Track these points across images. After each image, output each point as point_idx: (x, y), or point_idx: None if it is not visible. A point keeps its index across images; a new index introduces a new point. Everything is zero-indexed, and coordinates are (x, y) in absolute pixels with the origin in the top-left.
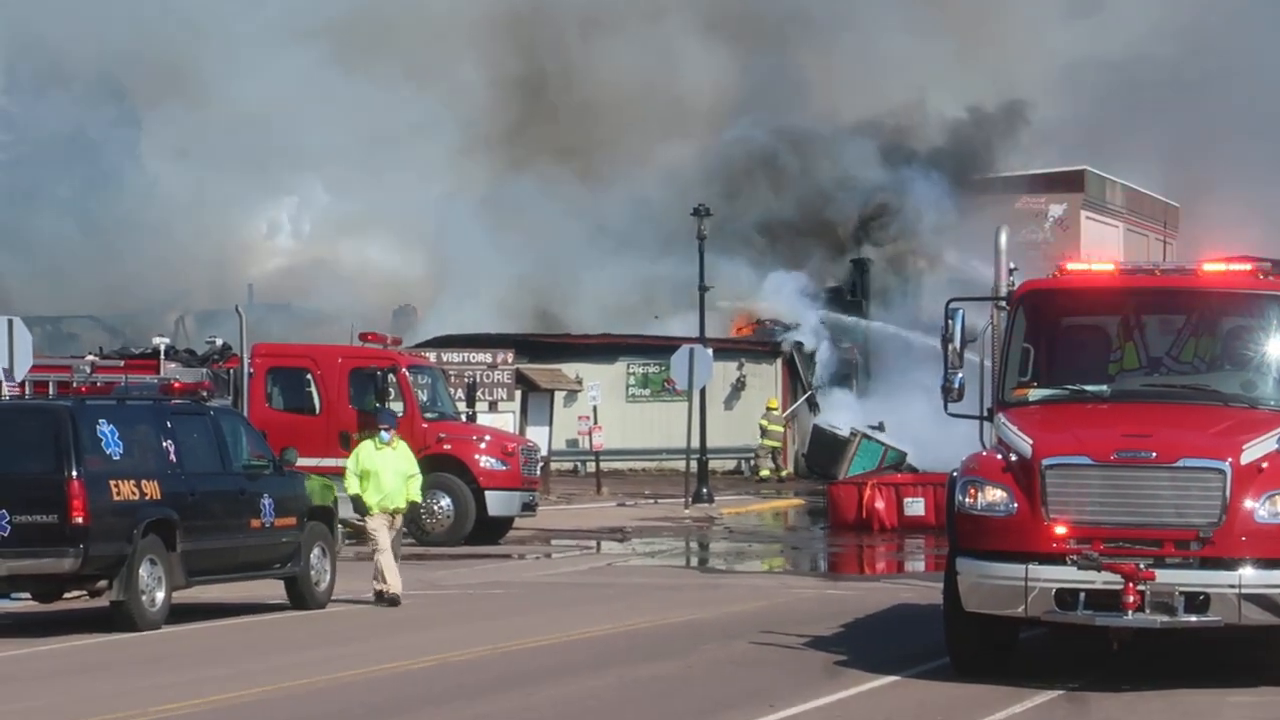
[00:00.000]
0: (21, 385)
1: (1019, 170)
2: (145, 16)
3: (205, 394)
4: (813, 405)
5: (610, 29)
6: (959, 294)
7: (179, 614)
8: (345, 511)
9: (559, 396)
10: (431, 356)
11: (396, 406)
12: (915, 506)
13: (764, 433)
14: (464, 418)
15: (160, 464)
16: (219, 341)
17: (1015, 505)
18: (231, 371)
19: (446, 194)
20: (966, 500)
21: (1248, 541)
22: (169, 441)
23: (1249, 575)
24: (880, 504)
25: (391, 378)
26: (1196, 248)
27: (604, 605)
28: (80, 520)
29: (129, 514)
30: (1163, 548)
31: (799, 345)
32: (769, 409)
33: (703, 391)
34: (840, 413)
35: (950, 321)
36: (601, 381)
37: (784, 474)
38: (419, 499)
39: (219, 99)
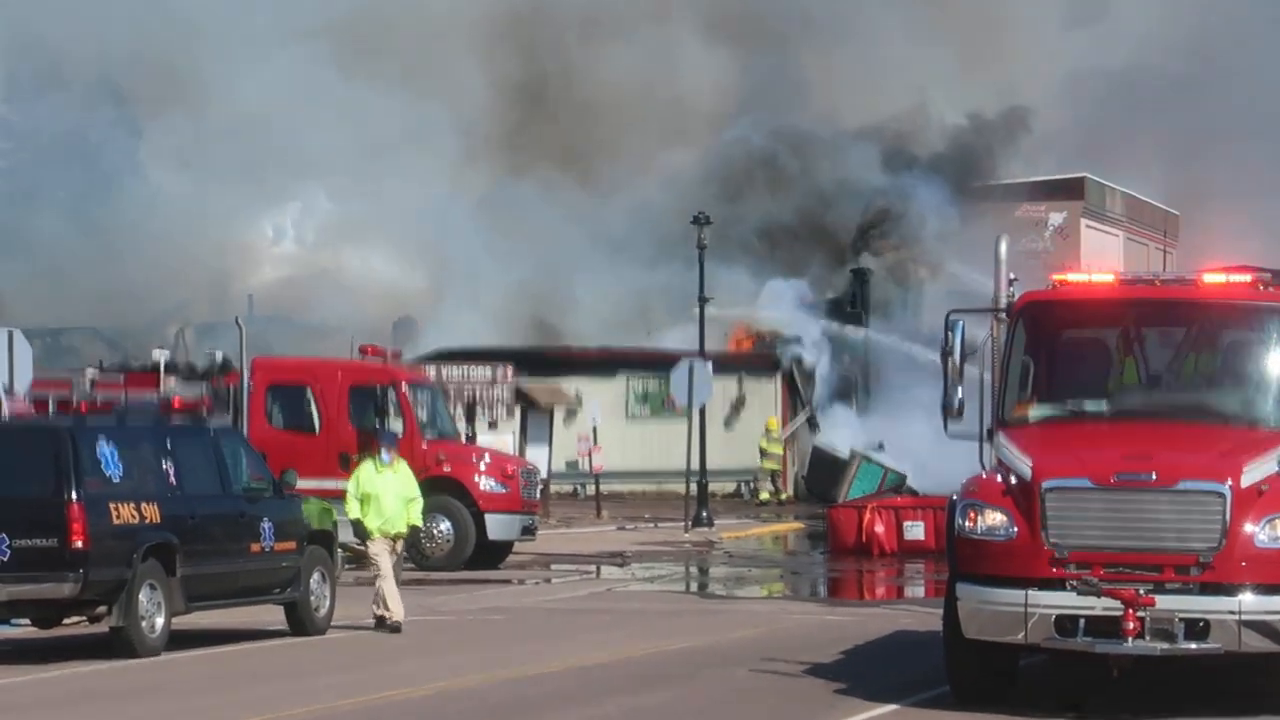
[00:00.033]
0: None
1: (1019, 178)
2: (144, 21)
3: (205, 412)
4: (812, 424)
5: (610, 31)
6: (959, 305)
7: (178, 639)
8: (345, 535)
9: (558, 415)
10: (431, 370)
11: (396, 425)
12: (915, 530)
13: (764, 454)
14: (463, 437)
15: (160, 486)
16: (219, 355)
17: (1015, 529)
18: (231, 388)
19: (446, 201)
20: (966, 524)
21: (1248, 567)
22: (169, 463)
23: (1249, 601)
24: (880, 528)
25: (392, 395)
26: (1197, 257)
27: (604, 632)
28: (80, 544)
29: (129, 538)
30: (1163, 573)
31: (798, 360)
32: (768, 429)
33: (702, 411)
34: (840, 431)
35: (950, 334)
36: (601, 398)
37: (784, 497)
38: (420, 523)
39: (218, 105)
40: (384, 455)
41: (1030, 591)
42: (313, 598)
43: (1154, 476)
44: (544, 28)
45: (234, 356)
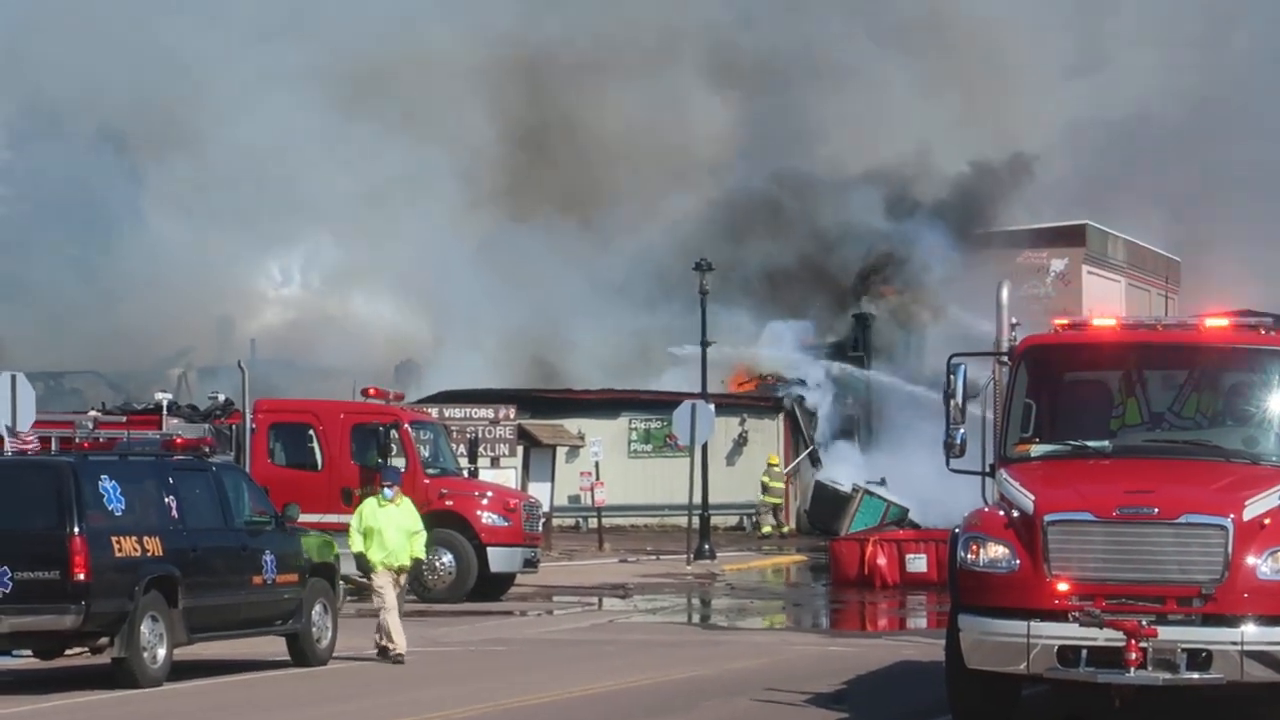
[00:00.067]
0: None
1: (1020, 225)
2: (144, 67)
3: (207, 450)
4: (815, 460)
5: (613, 76)
6: (961, 349)
7: (180, 671)
8: (347, 568)
9: (561, 452)
10: (434, 412)
11: (399, 462)
12: (917, 563)
13: (765, 489)
14: (466, 473)
15: (162, 520)
16: (221, 397)
17: (1017, 562)
18: (234, 427)
19: (448, 245)
20: (969, 556)
21: (1250, 598)
22: (171, 497)
23: (1251, 632)
24: (882, 560)
25: (394, 433)
26: (1198, 302)
27: (606, 662)
28: (82, 577)
29: (131, 570)
30: (1165, 604)
31: (800, 400)
32: (770, 465)
33: (705, 447)
34: (842, 466)
35: (952, 377)
36: (603, 437)
37: (786, 530)
38: (423, 556)
39: (219, 150)
40: (386, 491)
41: (1033, 623)
42: (314, 629)
43: (1156, 511)
44: (547, 72)
45: (236, 399)
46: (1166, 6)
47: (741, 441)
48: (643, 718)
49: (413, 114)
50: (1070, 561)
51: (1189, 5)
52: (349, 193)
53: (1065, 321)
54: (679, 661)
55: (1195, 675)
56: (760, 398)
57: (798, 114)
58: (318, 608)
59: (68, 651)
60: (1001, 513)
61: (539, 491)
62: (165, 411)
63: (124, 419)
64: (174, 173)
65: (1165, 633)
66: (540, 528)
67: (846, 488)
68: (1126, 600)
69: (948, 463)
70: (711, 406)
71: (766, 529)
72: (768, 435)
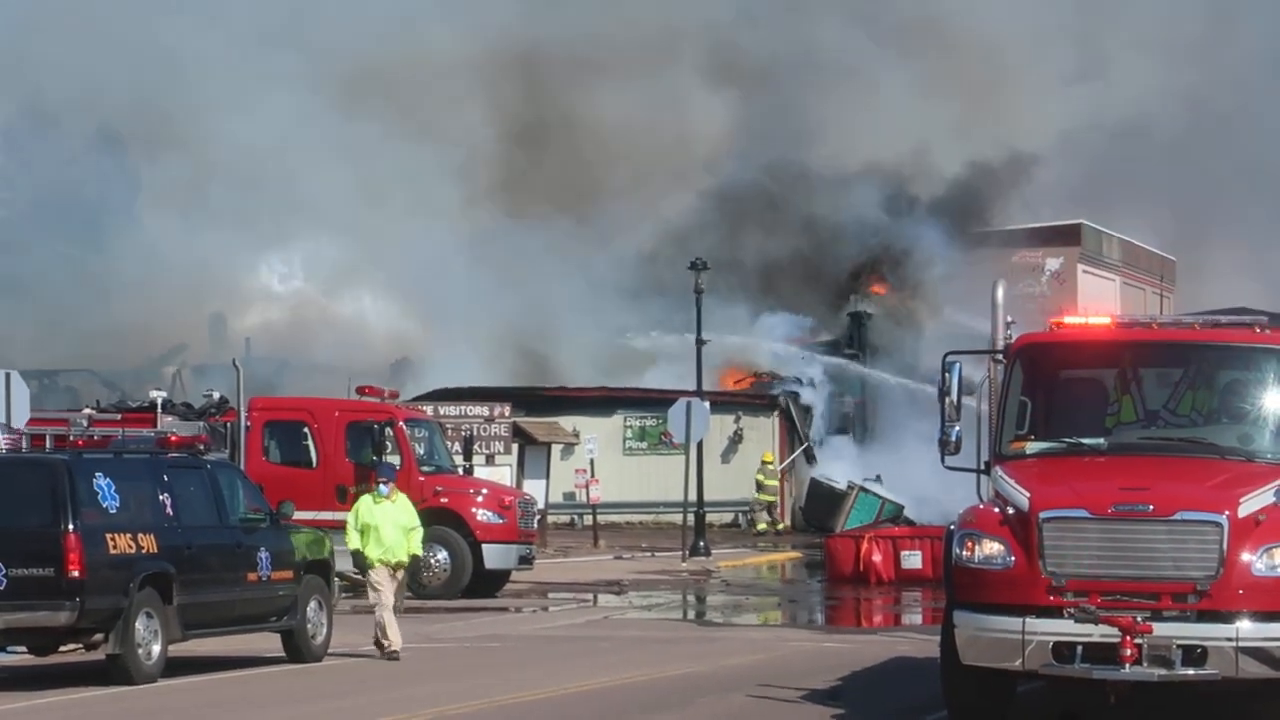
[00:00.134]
0: (18, 435)
1: (1016, 224)
2: (141, 66)
3: (202, 447)
4: (810, 457)
5: (612, 74)
6: (956, 347)
7: (175, 667)
8: (343, 565)
9: (556, 450)
10: (429, 410)
11: (393, 460)
12: (912, 559)
13: (760, 487)
14: (461, 471)
15: (157, 517)
16: (216, 395)
17: (1013, 558)
18: (228, 425)
19: (443, 243)
20: (964, 553)
21: (1245, 594)
22: (165, 495)
23: (1246, 628)
24: (877, 557)
25: (388, 431)
26: (1193, 301)
27: (601, 659)
28: (76, 573)
29: (125, 567)
30: (1160, 601)
31: (795, 397)
32: (764, 463)
33: (700, 444)
34: (838, 463)
35: (947, 374)
36: (598, 434)
37: (781, 527)
38: (420, 552)
39: (215, 148)
40: (382, 488)
41: (1028, 619)
42: (309, 625)
43: (1151, 508)
44: (544, 70)
45: (231, 397)
46: (1165, 8)
47: (737, 439)
48: (638, 714)
49: (409, 112)
50: (1065, 558)
51: (1188, 6)
52: (345, 190)
53: (1062, 320)
54: (674, 658)
55: (1190, 671)
56: (755, 395)
57: (796, 114)
58: (313, 604)
59: (62, 648)
60: (997, 510)
61: (534, 489)
62: (160, 409)
63: (119, 417)
64: (169, 171)
65: (1160, 629)
66: (535, 525)
67: (842, 485)
68: (1121, 597)
69: (943, 460)
70: (707, 404)
71: (761, 526)
72: (763, 433)
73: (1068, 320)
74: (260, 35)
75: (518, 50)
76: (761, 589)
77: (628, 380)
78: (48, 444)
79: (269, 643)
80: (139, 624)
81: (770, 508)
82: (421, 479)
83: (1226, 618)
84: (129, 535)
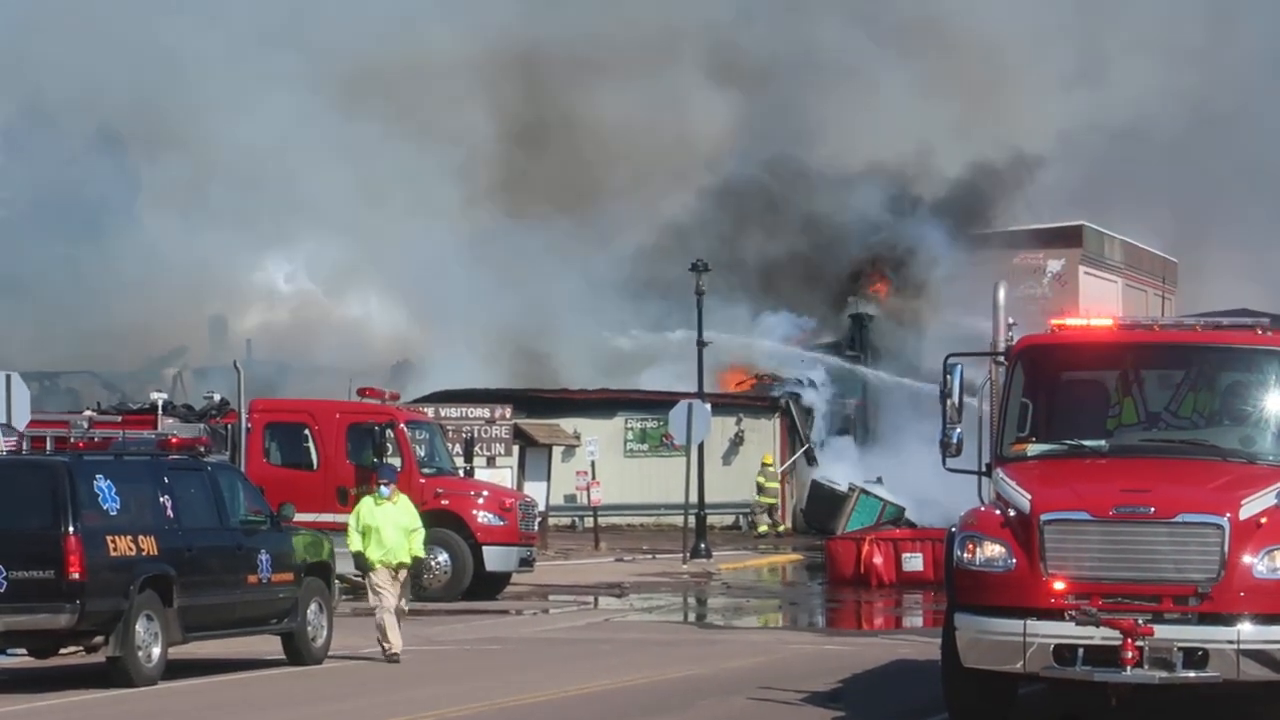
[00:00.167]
0: (19, 436)
1: (1018, 225)
2: (141, 67)
3: (203, 449)
4: (810, 459)
5: (612, 74)
6: (958, 348)
7: (176, 670)
8: (343, 567)
9: (557, 452)
10: (429, 412)
11: (394, 462)
12: (913, 562)
13: (760, 489)
14: (461, 473)
15: (157, 519)
16: (217, 397)
17: (1014, 560)
18: (229, 427)
19: (444, 244)
20: (965, 555)
21: (1246, 597)
22: (166, 497)
23: (1247, 631)
24: (878, 559)
25: (389, 433)
26: (1195, 303)
27: (601, 661)
28: (77, 576)
29: (126, 569)
30: (1161, 603)
31: (796, 398)
32: (764, 465)
33: (701, 446)
34: (839, 465)
35: (949, 376)
36: (599, 436)
37: (781, 529)
38: (422, 554)
39: (215, 149)
40: (383, 490)
41: (1029, 621)
42: (310, 628)
43: (1152, 510)
44: (544, 70)
45: (232, 398)
46: (1165, 9)
47: (738, 441)
48: (639, 717)
49: (409, 112)
50: (1066, 560)
51: (1188, 7)
52: (345, 190)
53: (1064, 322)
54: (675, 660)
55: (1191, 674)
56: (757, 397)
57: (797, 114)
58: (313, 607)
59: (63, 650)
60: (998, 512)
61: (535, 491)
62: (160, 411)
63: (119, 419)
64: (169, 171)
65: (1161, 631)
66: (536, 527)
67: (843, 487)
68: (1123, 599)
69: (944, 462)
70: (708, 406)
71: (762, 528)
72: (764, 434)
73: (1069, 322)
74: (260, 35)
75: (518, 50)
76: (762, 591)
77: (624, 380)
78: (48, 446)
79: (269, 645)
80: (139, 626)
81: (771, 510)
82: (422, 481)
83: (1228, 620)
84: (129, 537)
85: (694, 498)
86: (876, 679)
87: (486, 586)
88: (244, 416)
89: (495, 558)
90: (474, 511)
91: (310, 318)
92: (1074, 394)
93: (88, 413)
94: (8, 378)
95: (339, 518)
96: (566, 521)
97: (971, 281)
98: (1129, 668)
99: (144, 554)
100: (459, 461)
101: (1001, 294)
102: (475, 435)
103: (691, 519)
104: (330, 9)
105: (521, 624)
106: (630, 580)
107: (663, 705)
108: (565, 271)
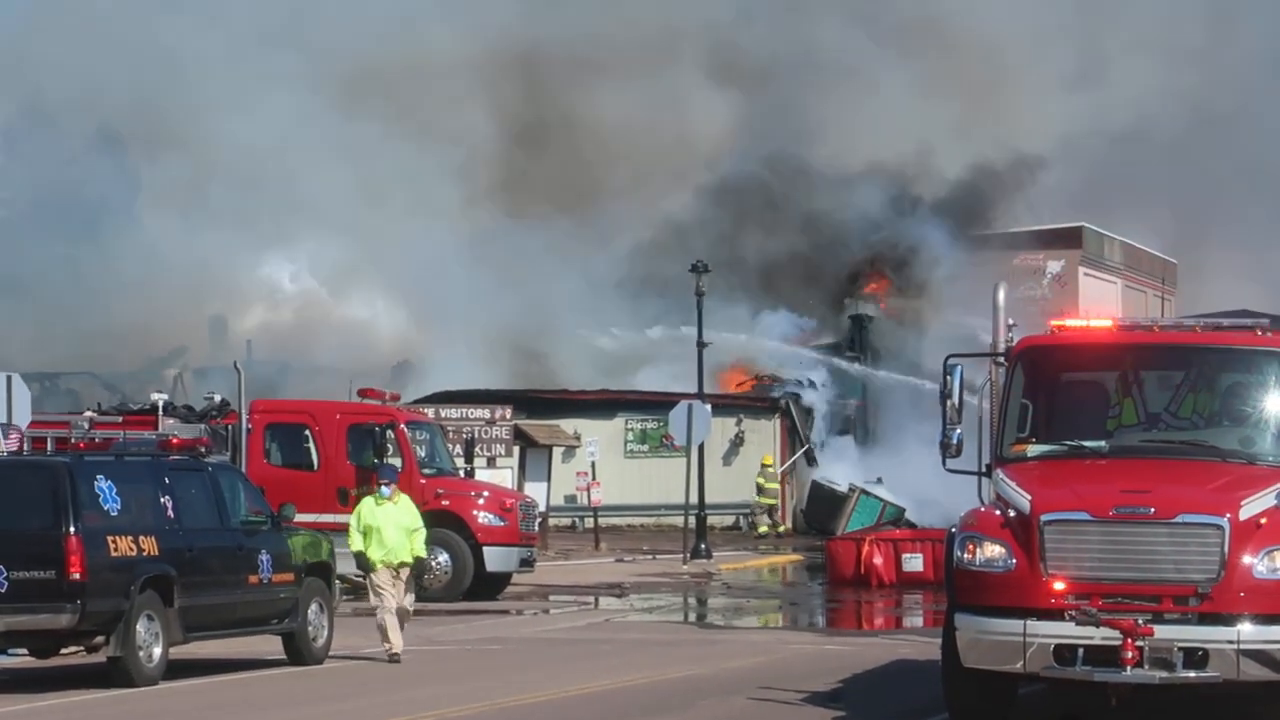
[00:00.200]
0: (20, 440)
1: (1018, 226)
2: (141, 67)
3: (203, 450)
4: (810, 460)
5: (612, 74)
6: (958, 349)
7: (176, 670)
8: (344, 567)
9: (557, 452)
10: (430, 412)
11: (395, 462)
12: (914, 562)
13: (760, 490)
14: (462, 473)
15: (158, 520)
16: (217, 397)
17: (1014, 561)
18: (230, 427)
19: (444, 245)
20: (965, 556)
21: (1246, 597)
22: (167, 497)
23: (1247, 631)
24: (878, 559)
25: (390, 434)
26: (1195, 304)
27: (602, 661)
28: (78, 576)
29: (126, 570)
30: (1161, 603)
31: (796, 398)
32: (764, 466)
33: (701, 447)
34: (839, 465)
35: (949, 377)
36: (600, 437)
37: (782, 529)
38: (424, 553)
39: (215, 150)
40: (384, 489)
41: (1029, 621)
42: (310, 628)
43: (1152, 510)
44: (545, 70)
45: (233, 399)
46: (1165, 9)
47: (738, 441)
48: (639, 717)
49: (409, 112)
50: (1066, 561)
51: (1189, 8)
52: (345, 190)
53: (1064, 323)
54: (675, 660)
55: (1192, 674)
56: (757, 398)
57: (796, 114)
58: (314, 607)
59: (63, 650)
60: (998, 512)
61: (535, 491)
62: (161, 412)
63: (120, 419)
64: (169, 171)
65: (1162, 631)
66: (536, 527)
67: (843, 487)
68: (1123, 599)
69: (944, 462)
70: (708, 407)
71: (763, 529)
72: (764, 435)
73: (1069, 323)
74: (260, 35)
75: (518, 50)
76: (762, 591)
77: (622, 381)
78: (49, 446)
79: (270, 645)
80: (140, 626)
81: (771, 510)
82: (423, 481)
83: (1228, 620)
84: (130, 538)
85: (694, 498)
86: (877, 679)
87: (487, 587)
88: (244, 417)
89: (496, 558)
90: (474, 512)
91: (311, 318)
92: (1074, 395)
93: (88, 413)
94: (8, 378)
95: (340, 518)
96: (567, 522)
97: (973, 282)
98: (1129, 668)
99: (145, 554)
100: (459, 462)
101: (1001, 295)
102: (476, 436)
103: (692, 519)
104: (330, 9)
105: (522, 624)
106: (630, 581)
107: (663, 705)
108: (565, 271)
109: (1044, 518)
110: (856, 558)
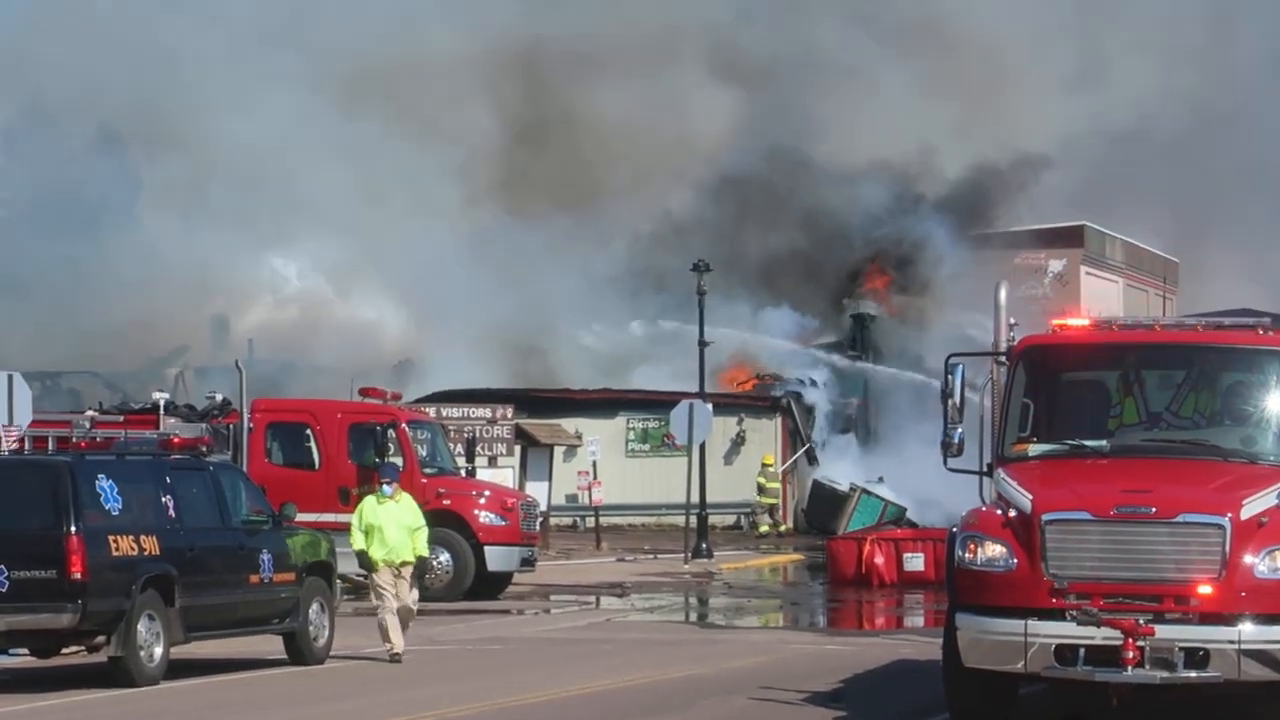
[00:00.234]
0: (21, 440)
1: (1019, 225)
2: (141, 67)
3: (205, 449)
4: (811, 459)
5: (612, 73)
6: (959, 348)
7: (177, 669)
8: (346, 567)
9: (558, 451)
10: (431, 412)
11: (396, 461)
12: (915, 562)
13: (761, 489)
14: (463, 473)
15: (159, 519)
16: (218, 397)
17: (1015, 560)
18: (231, 427)
19: (445, 244)
20: (966, 555)
21: (1247, 597)
22: (168, 497)
23: (1248, 631)
24: (880, 559)
25: (391, 433)
26: (1196, 303)
27: (603, 661)
28: (79, 575)
29: (128, 569)
30: (1162, 603)
31: (798, 397)
32: (765, 465)
33: (702, 446)
34: (840, 465)
35: (950, 376)
36: (601, 436)
37: (783, 529)
38: (426, 552)
39: (216, 149)
40: (385, 488)
41: (1030, 621)
42: (311, 628)
43: (1153, 510)
44: (545, 69)
45: (234, 398)
46: (1166, 9)
47: (739, 441)
48: (640, 717)
49: (409, 112)
50: (1068, 560)
51: (1189, 8)
52: (345, 190)
53: (1065, 322)
54: (676, 660)
55: (1193, 674)
56: (758, 397)
57: (797, 113)
58: (315, 606)
59: (64, 650)
60: (999, 512)
61: (536, 491)
62: (162, 411)
63: (121, 419)
64: (169, 171)
65: (1163, 631)
66: (537, 527)
67: (844, 487)
68: (1124, 599)
69: (945, 462)
70: (709, 406)
71: (763, 528)
72: (765, 434)
73: (1070, 322)
74: (260, 35)
75: (518, 49)
76: (763, 591)
77: (620, 380)
78: (50, 446)
79: (271, 645)
80: (141, 626)
81: (772, 510)
82: (424, 481)
83: (1229, 620)
84: (131, 537)
85: (695, 498)
86: (878, 679)
87: (488, 586)
88: (246, 416)
89: (497, 557)
90: (476, 511)
91: (312, 317)
92: (1075, 394)
93: (90, 412)
94: (9, 378)
95: (341, 517)
96: (568, 521)
97: (975, 280)
98: (1130, 668)
99: (146, 554)
100: (461, 461)
101: (1003, 294)
102: (477, 435)
103: (693, 519)
104: (330, 9)
105: (523, 624)
106: (632, 580)
107: (664, 705)
108: (565, 271)
109: (1045, 517)
110: (858, 557)
